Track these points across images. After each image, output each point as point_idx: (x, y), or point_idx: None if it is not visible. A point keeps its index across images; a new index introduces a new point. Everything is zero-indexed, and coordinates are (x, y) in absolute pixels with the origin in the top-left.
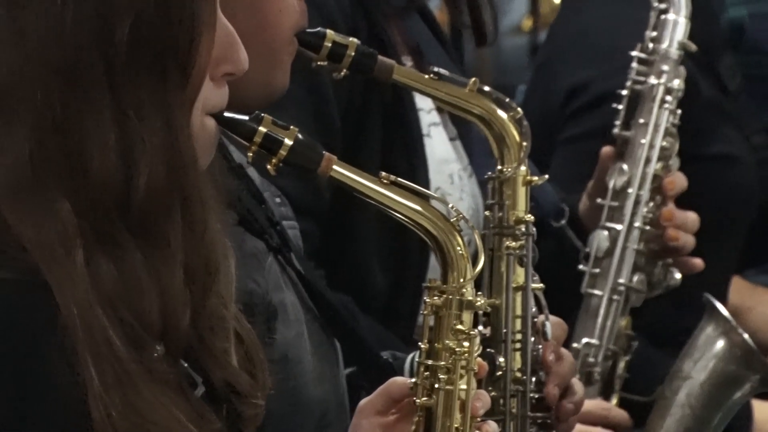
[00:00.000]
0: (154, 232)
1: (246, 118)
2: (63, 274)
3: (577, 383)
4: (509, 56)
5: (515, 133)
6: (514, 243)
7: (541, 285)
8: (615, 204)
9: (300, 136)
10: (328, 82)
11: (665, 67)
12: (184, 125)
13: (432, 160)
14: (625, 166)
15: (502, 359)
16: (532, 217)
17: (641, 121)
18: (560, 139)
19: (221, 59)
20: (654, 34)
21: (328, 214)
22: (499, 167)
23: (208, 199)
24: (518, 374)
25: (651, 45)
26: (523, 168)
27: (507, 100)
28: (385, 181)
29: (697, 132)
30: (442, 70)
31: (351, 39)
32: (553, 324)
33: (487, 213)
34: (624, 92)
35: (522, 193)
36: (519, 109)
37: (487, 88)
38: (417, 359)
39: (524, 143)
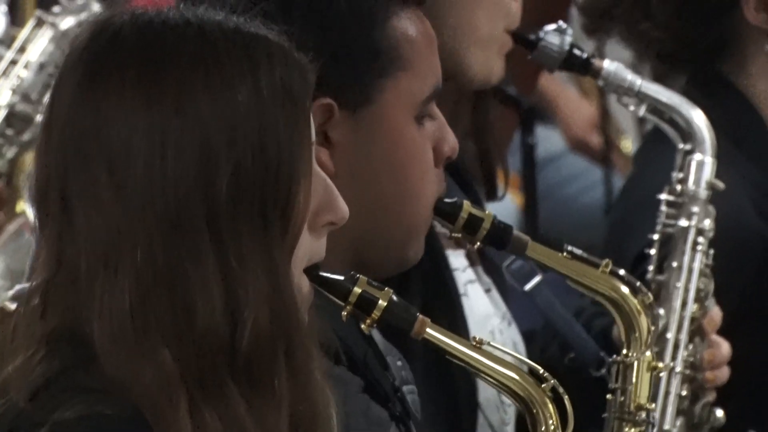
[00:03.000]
0: (258, 380)
1: (341, 278)
2: (166, 424)
3: None
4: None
5: (644, 318)
6: (634, 429)
7: None
8: (654, 350)
9: (394, 297)
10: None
11: (695, 209)
12: (286, 273)
13: (472, 319)
14: (661, 311)
15: None
16: (654, 405)
17: (674, 264)
18: None
19: (320, 209)
20: (681, 175)
21: None
22: (624, 351)
23: (311, 349)
24: None
25: (679, 187)
26: (648, 354)
27: (638, 284)
28: (476, 344)
29: None
30: (576, 250)
31: (488, 212)
32: None
33: (609, 396)
34: (655, 236)
35: (645, 379)
36: (649, 294)
37: (621, 272)
38: None
39: (652, 328)
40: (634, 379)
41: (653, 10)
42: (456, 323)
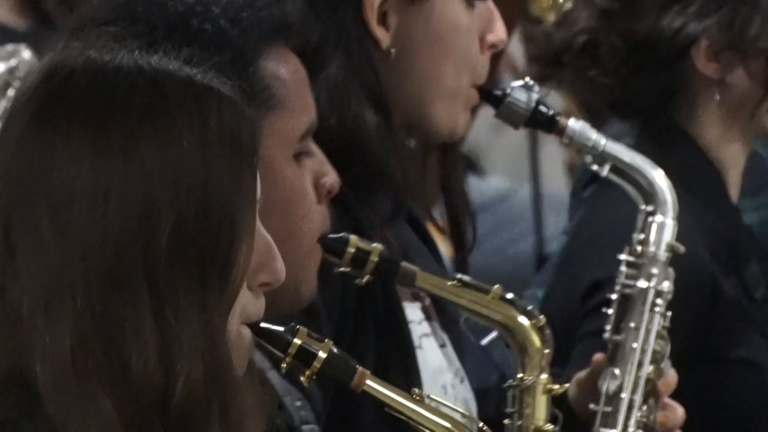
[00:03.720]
0: None
1: (282, 329)
2: None
3: None
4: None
5: (537, 340)
6: None
7: None
8: (608, 409)
9: (335, 349)
10: (319, 300)
11: (654, 270)
12: (222, 330)
13: (425, 373)
14: (617, 371)
15: None
16: (552, 426)
17: (632, 324)
18: (579, 335)
19: (259, 268)
20: (642, 236)
21: None
22: (520, 375)
23: (245, 405)
24: None
25: (639, 248)
26: (544, 376)
27: (530, 307)
28: (416, 397)
29: (722, 334)
30: (465, 277)
31: (375, 245)
32: None
33: (506, 422)
34: (614, 296)
35: (542, 402)
36: (542, 317)
37: (510, 296)
38: None
39: (546, 351)
40: (530, 403)
41: (602, 58)
42: (410, 375)
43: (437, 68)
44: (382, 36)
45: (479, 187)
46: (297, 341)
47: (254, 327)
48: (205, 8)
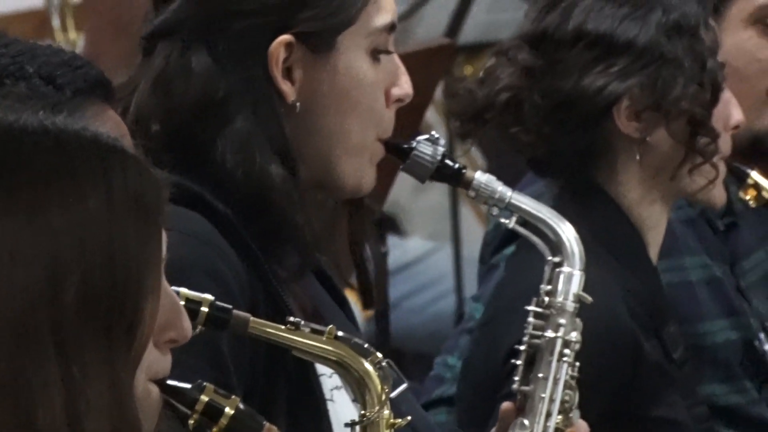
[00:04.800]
0: None
1: (188, 386)
2: None
3: None
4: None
5: (374, 376)
6: None
7: None
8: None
9: (241, 405)
10: (227, 353)
11: (562, 321)
12: (129, 387)
13: (337, 426)
14: (526, 421)
15: None
16: None
17: (540, 375)
18: (499, 397)
19: (166, 326)
20: (549, 287)
21: None
22: (362, 412)
23: None
24: None
25: (547, 299)
26: (386, 411)
27: (366, 345)
28: None
29: (643, 394)
30: (298, 320)
31: (205, 295)
32: None
33: None
34: (522, 347)
35: None
36: (378, 354)
37: (344, 335)
38: None
39: (385, 387)
40: None
41: (525, 116)
42: (321, 429)
43: (343, 123)
44: (288, 90)
45: (401, 248)
46: (204, 398)
47: (161, 384)
48: (19, 68)
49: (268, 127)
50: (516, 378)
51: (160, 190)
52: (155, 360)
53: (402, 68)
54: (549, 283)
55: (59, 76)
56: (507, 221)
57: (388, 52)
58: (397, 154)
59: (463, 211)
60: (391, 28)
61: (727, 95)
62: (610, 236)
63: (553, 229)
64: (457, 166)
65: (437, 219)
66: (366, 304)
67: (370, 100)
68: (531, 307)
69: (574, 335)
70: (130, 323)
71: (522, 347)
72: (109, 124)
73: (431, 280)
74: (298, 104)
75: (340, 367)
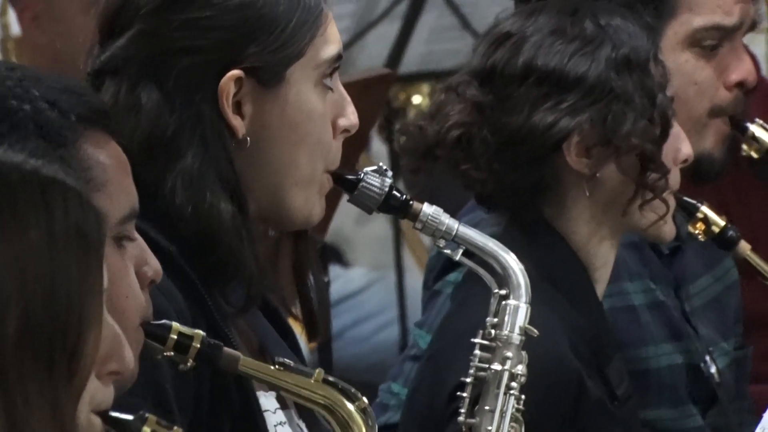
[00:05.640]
0: None
1: (131, 417)
2: None
3: None
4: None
5: (360, 422)
6: None
7: None
8: None
9: None
10: (170, 392)
11: (508, 353)
12: (71, 418)
13: None
14: None
15: None
16: None
17: (486, 407)
18: None
19: (107, 357)
20: (495, 320)
21: None
22: None
23: None
24: None
25: (493, 331)
26: None
27: (353, 390)
28: None
29: (584, 431)
30: (288, 361)
31: (196, 331)
32: None
33: None
34: (468, 380)
35: None
36: (364, 398)
37: (332, 378)
38: None
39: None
40: None
41: (475, 153)
42: None
43: (292, 156)
44: (238, 125)
45: (344, 278)
46: (146, 429)
47: (104, 415)
48: (25, 90)
49: (218, 163)
50: (462, 410)
51: (101, 222)
52: (97, 391)
53: (348, 99)
54: (495, 315)
55: (63, 102)
56: (453, 254)
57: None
58: (344, 185)
59: (406, 240)
60: (338, 59)
61: (676, 130)
62: (557, 273)
63: (500, 262)
64: (404, 197)
65: (380, 249)
66: (310, 336)
67: (319, 132)
68: (477, 340)
69: (520, 368)
70: (71, 354)
71: (468, 380)
72: (110, 153)
73: (374, 310)
74: (248, 138)
75: (327, 409)
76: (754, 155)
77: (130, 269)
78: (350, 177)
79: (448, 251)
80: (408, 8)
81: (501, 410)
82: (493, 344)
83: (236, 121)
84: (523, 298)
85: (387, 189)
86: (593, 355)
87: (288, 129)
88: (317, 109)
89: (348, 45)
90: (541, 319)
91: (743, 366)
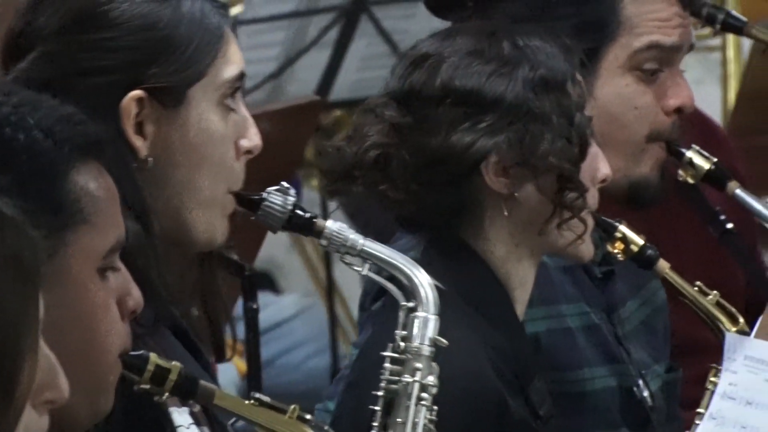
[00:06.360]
0: None
1: None
2: None
3: None
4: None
5: None
6: None
7: None
8: None
9: None
10: None
11: (418, 365)
12: None
13: None
14: None
15: None
16: None
17: (399, 420)
18: None
19: (43, 386)
20: (404, 332)
21: None
22: None
23: None
24: None
25: (402, 344)
26: None
27: (326, 427)
28: None
29: None
30: (264, 397)
31: (173, 363)
32: None
33: None
34: (380, 393)
35: None
36: None
37: (308, 416)
38: None
39: None
40: None
41: (393, 173)
42: None
43: (194, 177)
44: (140, 145)
45: (276, 305)
46: None
47: None
48: (20, 118)
49: (122, 183)
50: (375, 424)
51: (37, 250)
52: (32, 421)
53: (250, 120)
54: (404, 328)
55: (58, 132)
56: (360, 269)
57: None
58: (247, 205)
59: (338, 266)
60: (239, 78)
61: (594, 149)
62: (476, 293)
63: (407, 275)
64: (308, 215)
65: (313, 276)
66: (218, 358)
67: (221, 153)
68: (387, 353)
69: (431, 379)
70: (7, 384)
71: (380, 393)
72: (101, 185)
73: (306, 337)
74: (150, 159)
75: None
76: (691, 180)
77: (113, 304)
78: (253, 197)
79: (355, 267)
80: (338, 36)
81: (413, 422)
82: (403, 357)
83: (138, 142)
84: (432, 310)
85: (290, 207)
86: (515, 375)
87: (189, 150)
88: (219, 130)
89: (278, 72)
90: (462, 340)
91: (674, 388)
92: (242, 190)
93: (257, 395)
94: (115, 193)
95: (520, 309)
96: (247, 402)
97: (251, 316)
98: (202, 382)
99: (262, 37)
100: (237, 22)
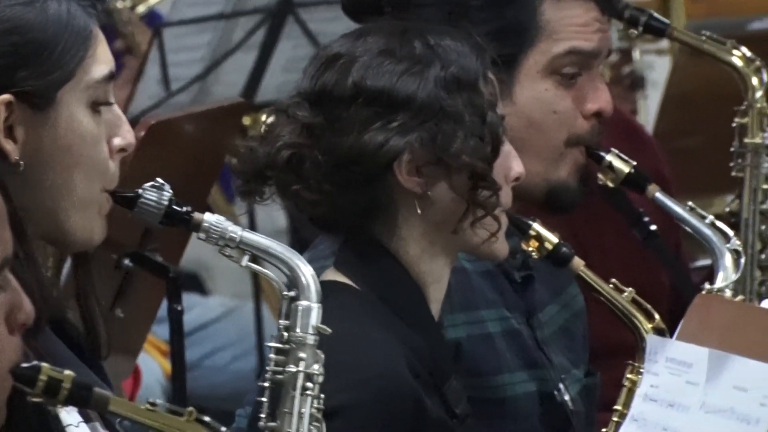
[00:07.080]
0: None
1: None
2: None
3: None
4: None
5: None
6: None
7: None
8: None
9: None
10: None
11: (302, 354)
12: None
13: None
14: None
15: None
16: None
17: (285, 410)
18: None
19: None
20: (287, 322)
21: None
22: None
23: None
24: None
25: (286, 334)
26: None
27: (223, 429)
28: None
29: None
30: (158, 401)
31: (66, 372)
32: None
33: None
34: (265, 384)
35: None
36: None
37: (206, 418)
38: None
39: None
40: None
41: (305, 173)
42: None
43: (67, 177)
44: (11, 149)
45: (202, 306)
46: None
47: None
48: None
49: None
50: (262, 415)
51: None
52: None
53: (123, 118)
54: (287, 318)
55: None
56: (240, 260)
57: (108, 104)
58: (123, 203)
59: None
60: (109, 78)
61: (507, 148)
62: (391, 293)
63: (288, 264)
64: (184, 209)
65: (240, 277)
66: (94, 354)
67: (93, 153)
68: (271, 344)
69: (316, 368)
70: None
71: (266, 384)
72: None
73: (232, 339)
74: (21, 162)
75: None
76: (610, 184)
77: (1, 323)
78: (128, 194)
79: (235, 260)
80: (264, 38)
81: (299, 412)
82: (287, 346)
83: (9, 146)
84: (314, 298)
85: (165, 202)
86: (431, 374)
87: (61, 151)
88: (90, 130)
89: (204, 74)
90: (377, 339)
91: (593, 392)
92: (124, 188)
93: (151, 400)
94: (3, 212)
95: (435, 308)
96: (142, 407)
97: (175, 318)
98: (97, 390)
99: (188, 39)
100: (163, 24)
